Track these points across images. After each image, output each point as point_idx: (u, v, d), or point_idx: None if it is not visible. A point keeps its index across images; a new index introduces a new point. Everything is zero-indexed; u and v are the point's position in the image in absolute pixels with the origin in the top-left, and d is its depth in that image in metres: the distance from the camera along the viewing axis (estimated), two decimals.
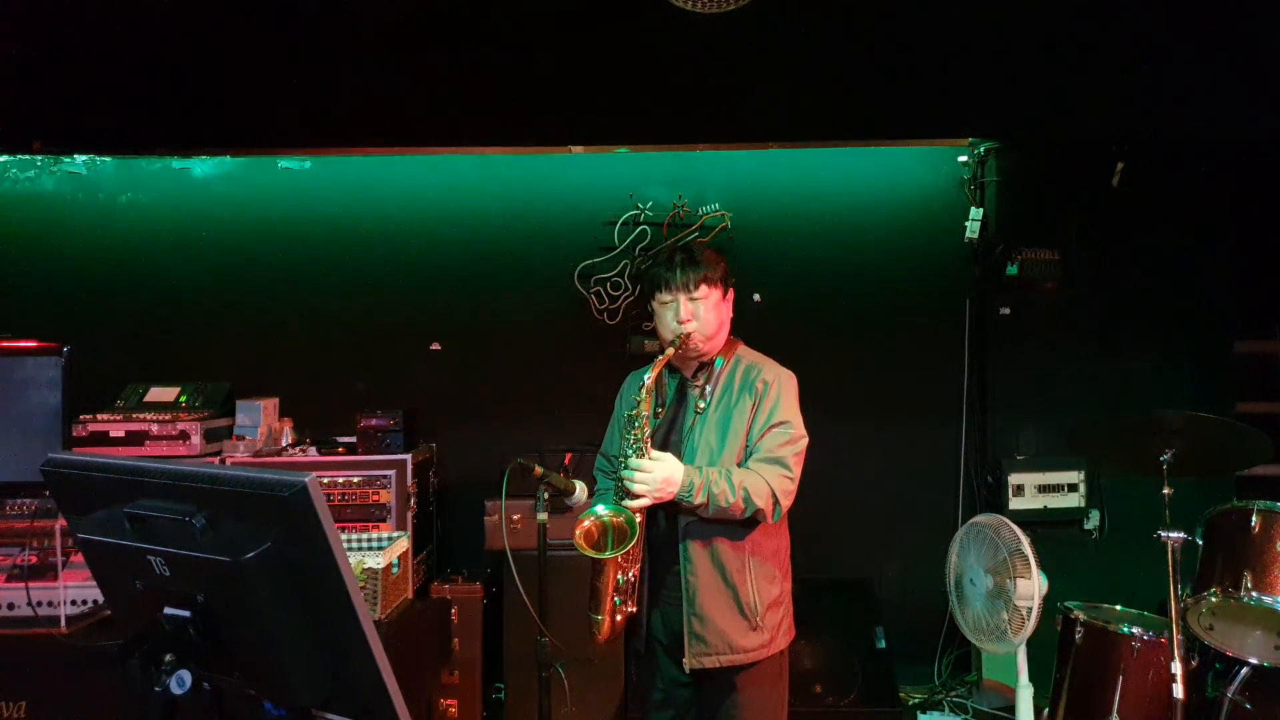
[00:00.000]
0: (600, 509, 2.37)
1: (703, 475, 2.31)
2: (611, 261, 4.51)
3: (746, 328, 2.67)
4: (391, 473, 3.78)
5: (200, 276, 4.47)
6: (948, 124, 4.23)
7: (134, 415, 3.86)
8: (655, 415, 2.50)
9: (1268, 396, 4.44)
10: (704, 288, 2.42)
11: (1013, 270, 4.25)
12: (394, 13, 4.05)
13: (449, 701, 3.78)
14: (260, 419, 3.96)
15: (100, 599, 2.89)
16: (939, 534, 3.83)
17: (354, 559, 3.05)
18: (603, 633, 2.40)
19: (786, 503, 2.38)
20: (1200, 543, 3.09)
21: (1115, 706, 3.06)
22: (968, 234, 4.40)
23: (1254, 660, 2.99)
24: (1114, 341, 4.35)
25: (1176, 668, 2.83)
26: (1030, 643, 3.24)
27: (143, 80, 4.07)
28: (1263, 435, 2.99)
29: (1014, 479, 4.26)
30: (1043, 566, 3.19)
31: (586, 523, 2.36)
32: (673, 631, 2.44)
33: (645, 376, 2.43)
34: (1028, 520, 3.80)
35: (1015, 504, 4.22)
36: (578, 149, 4.30)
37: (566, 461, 3.79)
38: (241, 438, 3.92)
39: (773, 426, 2.40)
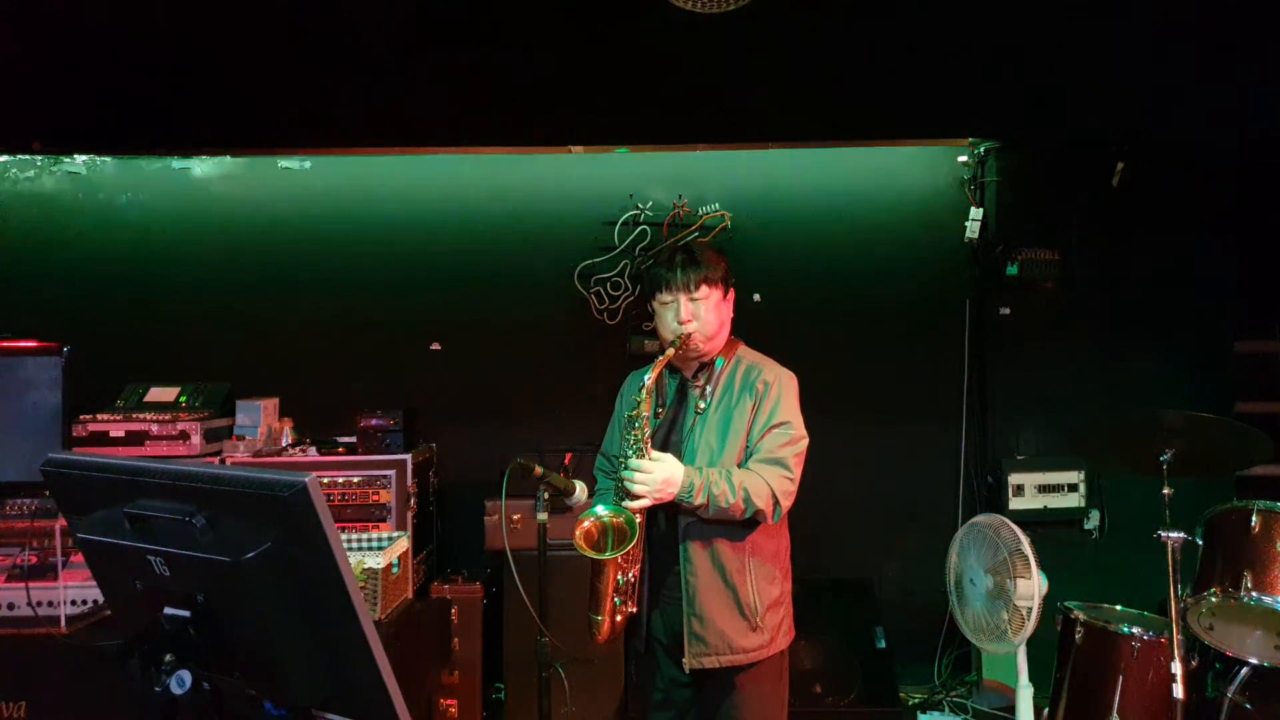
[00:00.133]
0: (600, 509, 2.37)
1: (703, 476, 2.31)
2: (611, 261, 4.51)
3: (746, 328, 2.67)
4: (391, 473, 3.78)
5: (200, 276, 4.47)
6: (948, 124, 4.23)
7: (134, 415, 3.86)
8: (655, 415, 2.50)
9: (1268, 396, 4.44)
10: (704, 288, 2.42)
11: (1013, 270, 4.26)
12: (394, 13, 4.05)
13: (449, 701, 3.78)
14: (260, 419, 3.96)
15: (100, 599, 2.89)
16: (939, 534, 3.84)
17: (354, 559, 3.05)
18: (603, 633, 2.40)
19: (787, 503, 2.38)
20: (1200, 543, 3.09)
21: (1115, 706, 3.06)
22: (968, 234, 4.40)
23: (1254, 660, 2.99)
24: (1114, 341, 4.35)
25: (1176, 668, 2.83)
26: (1030, 643, 3.24)
27: (143, 80, 4.07)
28: (1263, 435, 2.99)
29: (1014, 479, 4.26)
30: (1043, 566, 3.19)
31: (586, 523, 2.36)
32: (673, 632, 2.44)
33: (645, 377, 2.43)
34: (1028, 520, 3.80)
35: (1015, 504, 4.22)
36: (578, 149, 4.30)
37: (566, 461, 3.79)
38: (241, 438, 3.92)
39: (773, 427, 2.40)
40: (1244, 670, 3.01)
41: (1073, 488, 4.28)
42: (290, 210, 4.50)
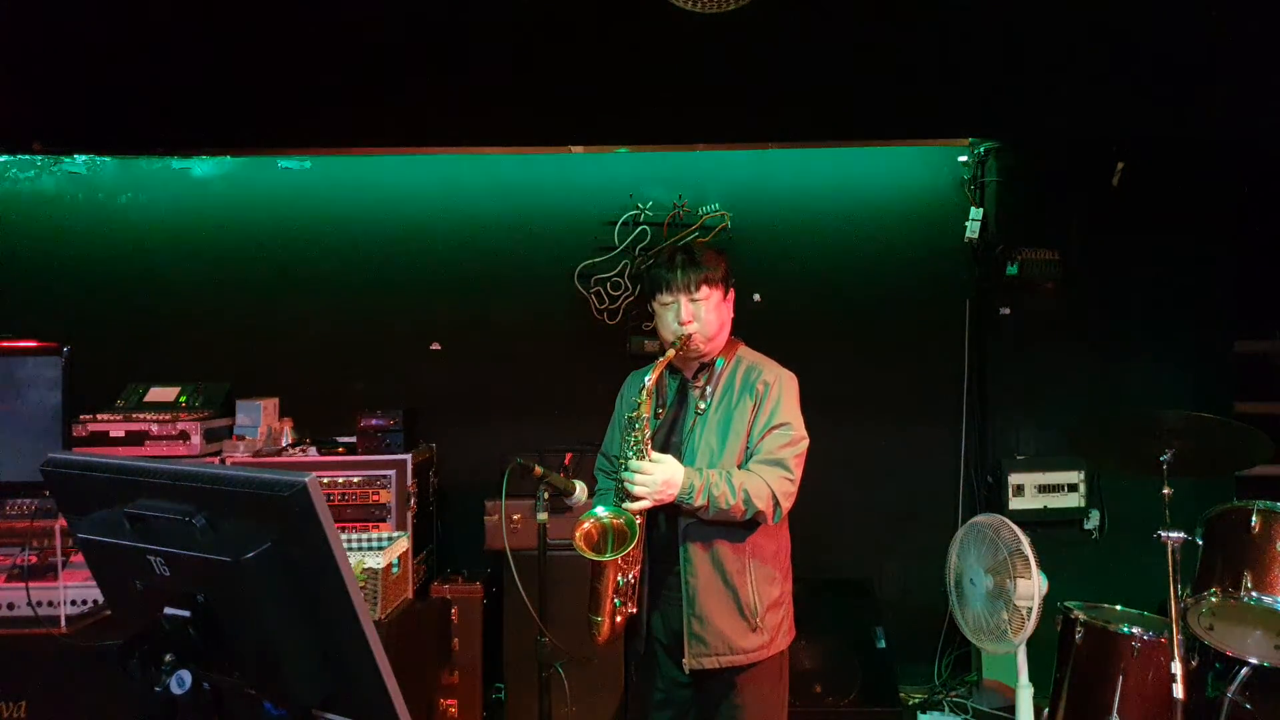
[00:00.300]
0: (600, 511, 2.37)
1: (703, 477, 2.31)
2: (611, 261, 4.51)
3: (746, 328, 2.67)
4: (391, 473, 3.78)
5: (200, 276, 4.47)
6: (948, 124, 4.23)
7: (134, 415, 3.87)
8: (656, 416, 2.50)
9: (1268, 396, 4.43)
10: (705, 289, 2.42)
11: (1013, 270, 4.26)
12: (394, 13, 4.05)
13: (449, 701, 3.78)
14: (260, 419, 3.96)
15: (100, 599, 2.89)
16: (939, 534, 3.84)
17: (354, 559, 3.05)
18: (602, 634, 2.40)
19: (787, 504, 2.38)
20: (1200, 543, 3.09)
21: (1115, 706, 3.06)
22: (968, 234, 4.40)
23: (1254, 660, 3.00)
24: (1114, 341, 4.34)
25: (1176, 668, 2.83)
26: (1030, 643, 3.24)
27: (143, 80, 4.07)
28: (1263, 435, 2.99)
29: (1014, 479, 4.26)
30: (1043, 566, 3.19)
31: (586, 525, 2.36)
32: (673, 632, 2.44)
33: (646, 378, 2.42)
34: (1028, 520, 3.80)
35: (1015, 504, 4.22)
36: (578, 149, 4.30)
37: (566, 461, 3.79)
38: (241, 438, 3.92)
39: (773, 428, 2.40)
40: (1244, 670, 3.01)
41: (1073, 488, 4.28)
42: (290, 210, 4.50)
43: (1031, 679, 3.33)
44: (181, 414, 3.90)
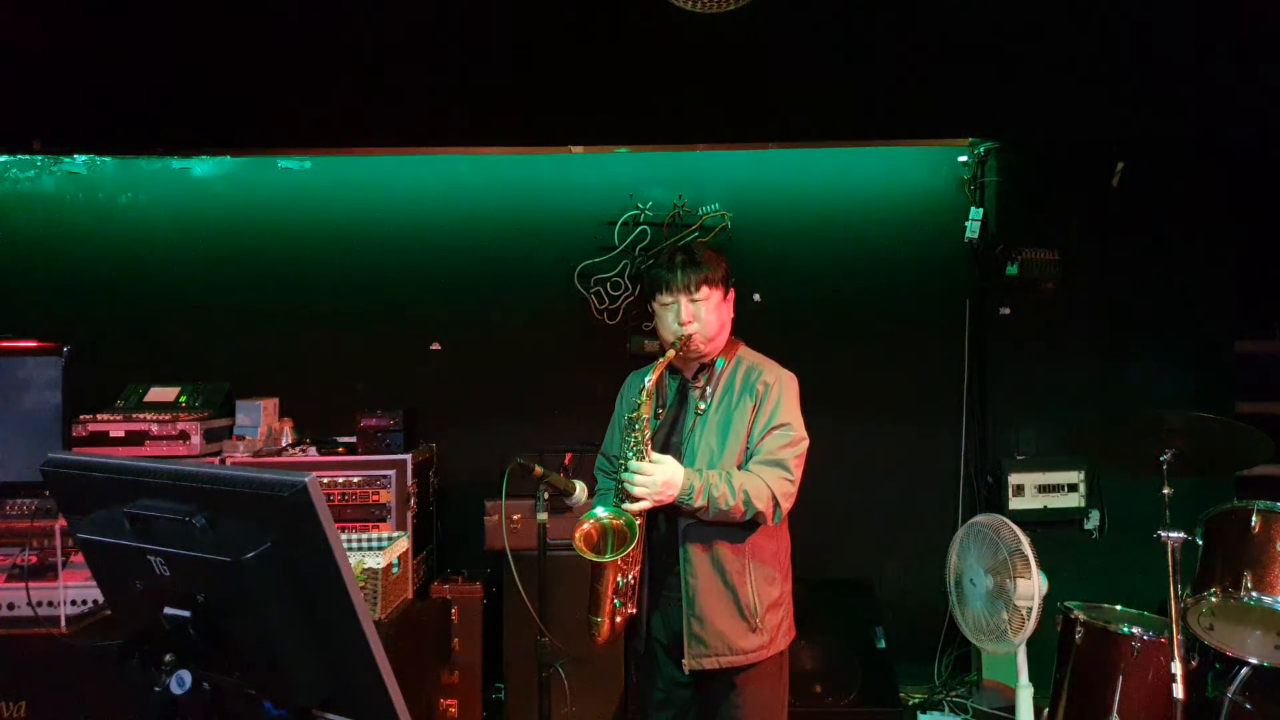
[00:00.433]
0: (600, 511, 2.37)
1: (703, 478, 2.31)
2: (611, 261, 4.51)
3: (746, 328, 2.67)
4: (391, 473, 3.78)
5: (200, 276, 4.46)
6: (948, 124, 4.23)
7: (134, 415, 3.86)
8: (655, 416, 2.50)
9: (1268, 396, 4.43)
10: (705, 289, 2.42)
11: (1013, 270, 4.26)
12: (394, 13, 4.05)
13: (449, 701, 3.78)
14: (260, 419, 3.96)
15: (100, 599, 2.90)
16: (939, 534, 3.84)
17: (354, 559, 3.05)
18: (602, 634, 2.40)
19: (787, 505, 2.37)
20: (1200, 543, 3.09)
21: (1115, 706, 3.06)
22: (968, 234, 4.40)
23: (1254, 660, 3.00)
24: (1114, 341, 4.34)
25: (1176, 668, 2.83)
26: (1030, 643, 3.24)
27: (143, 80, 4.07)
28: (1263, 435, 2.99)
29: (1014, 479, 4.26)
30: (1043, 566, 3.19)
31: (586, 525, 2.36)
32: (673, 632, 2.44)
33: (646, 379, 2.42)
34: (1028, 520, 3.80)
35: (1015, 504, 4.22)
36: (578, 149, 4.30)
37: (566, 461, 3.79)
38: (241, 438, 3.92)
39: (773, 429, 2.40)
40: (1244, 670, 3.01)
41: (1073, 488, 4.28)
42: (290, 210, 4.50)
43: (1031, 679, 3.33)
44: (181, 414, 3.90)
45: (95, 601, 2.94)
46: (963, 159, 4.49)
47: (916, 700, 4.25)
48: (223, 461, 3.76)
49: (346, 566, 1.28)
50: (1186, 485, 3.14)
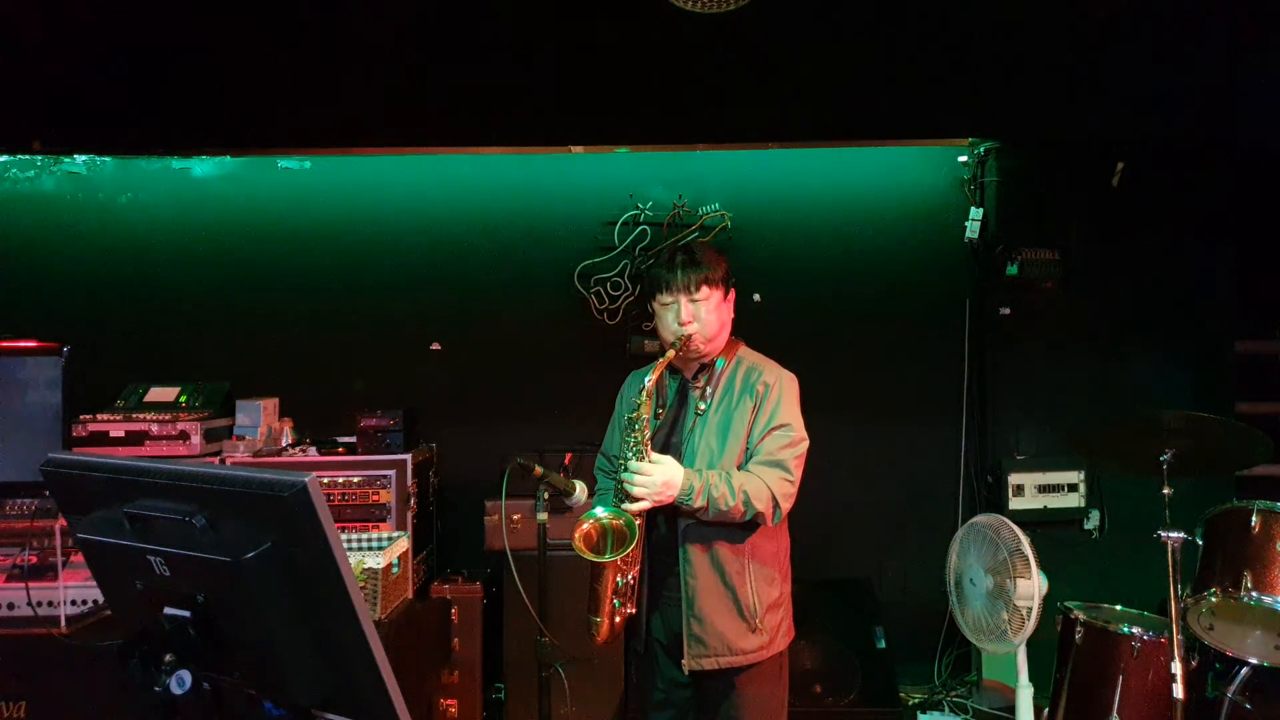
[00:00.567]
0: (600, 512, 2.37)
1: (702, 478, 2.31)
2: (611, 261, 4.51)
3: (746, 328, 2.67)
4: (391, 473, 3.78)
5: (200, 276, 4.46)
6: (948, 124, 4.23)
7: (134, 415, 3.86)
8: (655, 416, 2.50)
9: (1268, 396, 4.43)
10: (705, 289, 2.42)
11: (1013, 270, 4.26)
12: (394, 13, 4.05)
13: (449, 701, 3.78)
14: (260, 419, 3.96)
15: (100, 599, 2.90)
16: (939, 534, 3.84)
17: (354, 559, 3.05)
18: (601, 635, 2.40)
19: (786, 506, 2.37)
20: (1200, 543, 3.09)
21: (1115, 706, 3.06)
22: (968, 234, 4.40)
23: (1254, 660, 3.00)
24: (1114, 341, 4.34)
25: (1176, 668, 2.83)
26: (1030, 643, 3.24)
27: (143, 80, 4.07)
28: (1263, 435, 2.99)
29: (1014, 479, 4.26)
30: (1043, 566, 3.19)
31: (586, 526, 2.36)
32: (672, 632, 2.44)
33: (646, 379, 2.42)
34: (1028, 520, 3.80)
35: (1015, 504, 4.22)
36: (578, 149, 4.30)
37: (566, 461, 3.79)
38: (241, 438, 3.92)
39: (773, 429, 2.40)
40: (1244, 670, 3.01)
41: (1073, 488, 4.28)
42: (290, 210, 4.49)
43: (1031, 679, 3.33)
44: (181, 414, 3.89)
45: (95, 601, 2.94)
46: (963, 159, 4.49)
47: (916, 700, 4.26)
48: (223, 461, 3.75)
49: (346, 566, 1.28)
50: (1186, 485, 3.14)
